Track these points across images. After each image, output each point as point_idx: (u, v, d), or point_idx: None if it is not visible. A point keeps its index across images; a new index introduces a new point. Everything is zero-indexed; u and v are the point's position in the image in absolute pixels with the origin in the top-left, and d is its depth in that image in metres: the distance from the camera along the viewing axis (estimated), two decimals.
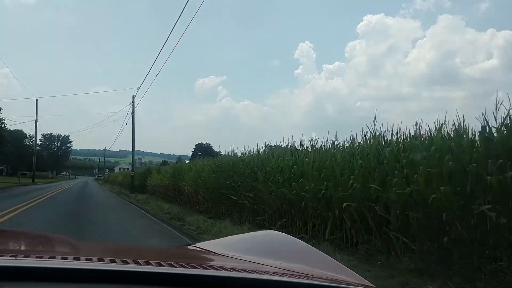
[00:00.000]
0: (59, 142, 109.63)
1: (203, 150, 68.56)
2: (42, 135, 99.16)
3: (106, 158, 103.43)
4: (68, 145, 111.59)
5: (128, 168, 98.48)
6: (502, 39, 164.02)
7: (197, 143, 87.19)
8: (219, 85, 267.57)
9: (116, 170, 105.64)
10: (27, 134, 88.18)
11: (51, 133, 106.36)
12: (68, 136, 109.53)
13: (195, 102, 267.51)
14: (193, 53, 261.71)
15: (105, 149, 76.53)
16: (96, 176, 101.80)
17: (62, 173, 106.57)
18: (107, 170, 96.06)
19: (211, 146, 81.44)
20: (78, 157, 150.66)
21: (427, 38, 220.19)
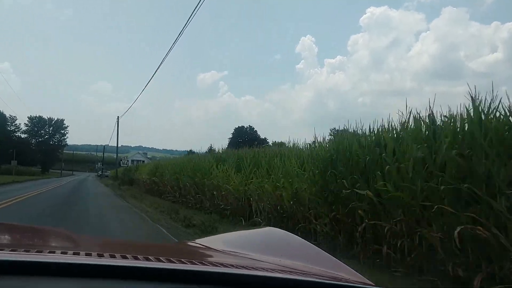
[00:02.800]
0: (51, 128, 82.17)
1: (244, 136, 55.13)
2: (28, 118, 79.09)
3: (106, 153, 75.88)
4: (63, 131, 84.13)
5: (143, 161, 62.49)
6: (507, 32, 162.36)
7: (236, 127, 65.90)
8: (221, 80, 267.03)
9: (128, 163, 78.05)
10: (7, 115, 68.66)
11: (40, 116, 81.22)
12: (63, 120, 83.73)
13: (196, 98, 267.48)
14: (194, 48, 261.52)
15: (118, 119, 40.19)
16: (100, 173, 69.52)
17: (51, 170, 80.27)
18: (126, 158, 48.90)
19: (255, 131, 63.34)
20: (79, 152, 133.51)
21: (430, 31, 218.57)
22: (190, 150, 27.03)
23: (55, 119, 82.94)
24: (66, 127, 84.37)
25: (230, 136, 62.00)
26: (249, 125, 67.09)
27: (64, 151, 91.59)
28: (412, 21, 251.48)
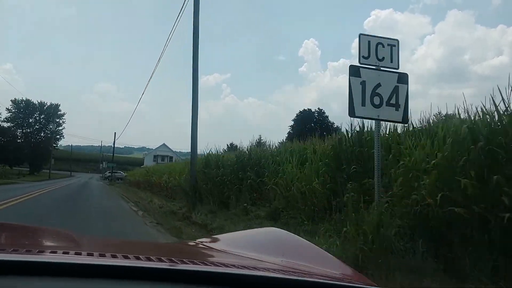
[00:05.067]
0: (43, 116, 60.10)
1: (311, 123, 43.93)
2: (12, 102, 57.82)
3: (108, 154, 60.17)
4: (58, 120, 61.39)
5: (171, 157, 46.07)
6: None
7: (301, 110, 50.13)
8: (223, 82, 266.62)
9: (148, 162, 57.83)
10: None
11: (28, 99, 59.25)
12: (57, 106, 61.34)
13: (199, 99, 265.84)
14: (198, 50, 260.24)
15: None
16: (108, 174, 53.78)
17: (44, 170, 55.12)
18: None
19: (326, 116, 47.78)
20: (81, 151, 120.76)
21: (436, 34, 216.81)
22: (231, 144, 19.81)
23: (48, 104, 60.86)
24: (62, 115, 62.02)
25: (292, 123, 48.06)
26: (318, 108, 51.49)
27: (61, 148, 70.36)
28: (417, 24, 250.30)
